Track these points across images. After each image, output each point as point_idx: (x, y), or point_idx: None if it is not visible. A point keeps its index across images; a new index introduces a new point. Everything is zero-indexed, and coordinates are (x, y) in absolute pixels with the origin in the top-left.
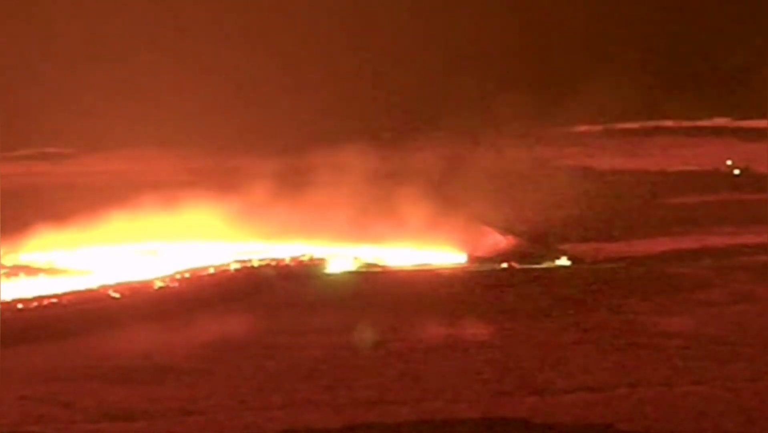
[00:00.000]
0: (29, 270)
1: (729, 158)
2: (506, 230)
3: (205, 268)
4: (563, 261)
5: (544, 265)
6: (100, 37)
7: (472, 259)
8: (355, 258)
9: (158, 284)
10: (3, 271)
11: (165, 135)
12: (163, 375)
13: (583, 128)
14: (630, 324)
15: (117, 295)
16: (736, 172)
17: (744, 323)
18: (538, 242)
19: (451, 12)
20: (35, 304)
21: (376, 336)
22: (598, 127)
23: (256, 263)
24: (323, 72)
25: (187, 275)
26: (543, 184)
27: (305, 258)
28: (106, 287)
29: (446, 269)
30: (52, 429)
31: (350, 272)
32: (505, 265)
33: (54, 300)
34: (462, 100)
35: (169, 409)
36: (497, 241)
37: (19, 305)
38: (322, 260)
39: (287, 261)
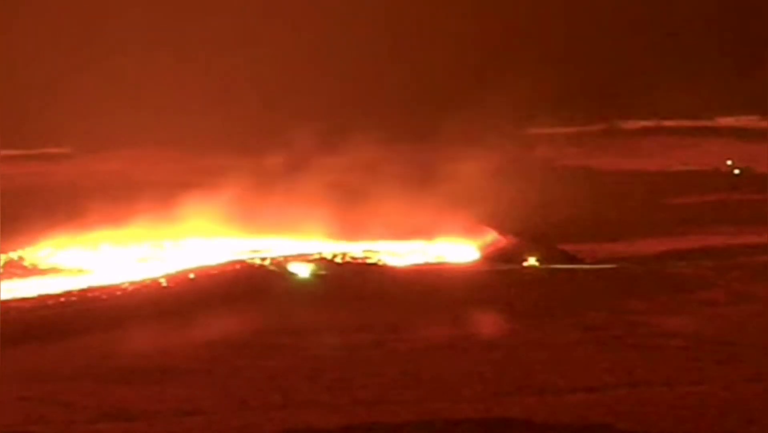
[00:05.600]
0: (29, 270)
1: (729, 158)
2: (506, 230)
3: (205, 268)
4: (561, 261)
5: (543, 265)
6: (101, 37)
7: (472, 259)
8: (354, 257)
9: (158, 283)
10: (3, 271)
11: (165, 135)
12: (163, 375)
13: (583, 128)
14: (630, 324)
15: (119, 293)
16: (736, 172)
17: (744, 323)
18: (538, 241)
19: (449, 10)
20: (35, 304)
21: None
22: (598, 127)
23: (256, 262)
24: (324, 71)
25: (187, 275)
26: (543, 184)
27: (306, 257)
28: (106, 287)
29: (446, 269)
30: (52, 429)
31: (350, 271)
32: (504, 265)
33: (54, 300)
34: (461, 99)
35: (169, 409)
36: (497, 241)
37: (19, 305)
38: (322, 258)
39: (288, 260)
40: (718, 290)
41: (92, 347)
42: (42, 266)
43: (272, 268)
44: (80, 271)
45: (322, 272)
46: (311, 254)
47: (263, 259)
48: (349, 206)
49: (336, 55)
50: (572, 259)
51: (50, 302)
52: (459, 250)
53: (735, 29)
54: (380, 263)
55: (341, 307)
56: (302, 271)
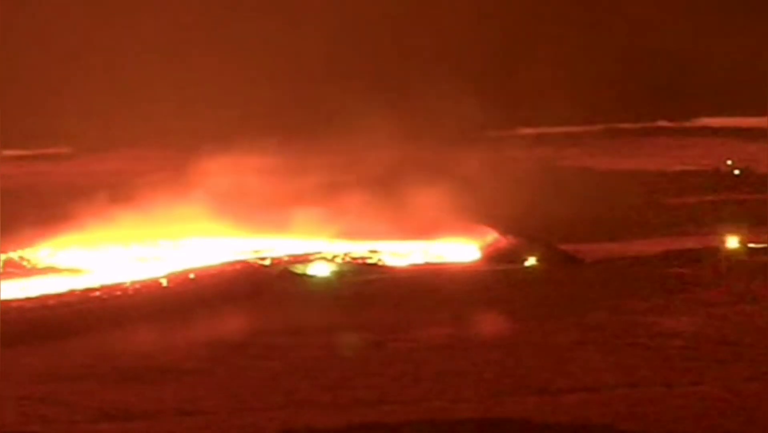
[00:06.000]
0: (29, 270)
1: (729, 158)
2: (506, 230)
3: (205, 268)
4: (561, 261)
5: (543, 265)
6: (100, 37)
7: (472, 259)
8: (354, 257)
9: (159, 283)
10: (3, 271)
11: (164, 135)
12: (163, 375)
13: (583, 128)
14: (630, 324)
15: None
16: (736, 172)
17: (744, 323)
18: (538, 241)
19: (449, 9)
20: (35, 304)
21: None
22: (598, 127)
23: (256, 262)
24: (324, 71)
25: (187, 275)
26: (543, 184)
27: (306, 257)
28: (106, 287)
29: (446, 269)
30: (52, 429)
31: (350, 271)
32: (504, 265)
33: (54, 300)
34: (462, 99)
35: (169, 409)
36: (497, 241)
37: (20, 305)
38: (322, 258)
39: (288, 260)
40: (718, 290)
41: (92, 347)
42: (42, 266)
43: (273, 268)
44: (80, 271)
45: (323, 272)
46: (311, 254)
47: (263, 259)
48: (350, 205)
49: (335, 55)
50: (572, 259)
51: (50, 302)
52: (459, 250)
53: (734, 29)
54: (380, 263)
55: (341, 307)
56: (302, 271)
